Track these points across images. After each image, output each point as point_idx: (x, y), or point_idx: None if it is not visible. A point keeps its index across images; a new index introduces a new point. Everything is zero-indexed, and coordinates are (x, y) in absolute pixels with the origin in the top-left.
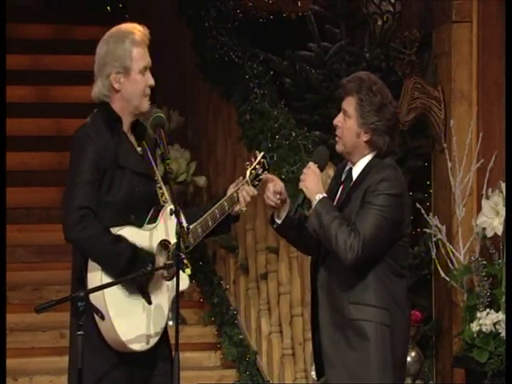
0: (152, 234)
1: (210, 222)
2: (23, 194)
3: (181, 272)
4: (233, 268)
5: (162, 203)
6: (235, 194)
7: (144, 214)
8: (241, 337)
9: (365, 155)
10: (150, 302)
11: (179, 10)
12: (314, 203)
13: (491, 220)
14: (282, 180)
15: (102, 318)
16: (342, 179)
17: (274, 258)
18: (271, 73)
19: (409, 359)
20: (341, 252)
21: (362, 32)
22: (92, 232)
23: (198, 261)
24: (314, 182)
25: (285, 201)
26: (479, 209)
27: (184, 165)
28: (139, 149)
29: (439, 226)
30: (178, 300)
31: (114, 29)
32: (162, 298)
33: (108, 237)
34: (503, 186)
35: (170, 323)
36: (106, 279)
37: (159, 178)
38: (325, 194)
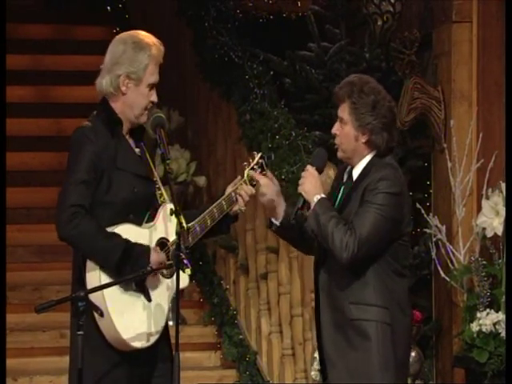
0: (150, 232)
1: (208, 221)
2: (23, 194)
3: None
4: (233, 268)
5: (160, 204)
6: (233, 194)
7: (143, 214)
8: (241, 337)
9: (364, 156)
10: (149, 300)
11: (179, 10)
12: (313, 205)
13: (491, 220)
14: (281, 180)
15: (101, 315)
16: (344, 180)
17: (274, 258)
18: (271, 73)
19: None
20: (337, 251)
21: (362, 32)
22: (84, 229)
23: (198, 261)
24: (311, 185)
25: (278, 199)
26: (479, 209)
27: (184, 165)
28: (137, 150)
29: (439, 226)
30: (179, 300)
31: (134, 33)
32: (162, 295)
33: (101, 233)
34: (503, 186)
35: (171, 323)
36: (105, 278)
37: (158, 180)
38: (323, 195)
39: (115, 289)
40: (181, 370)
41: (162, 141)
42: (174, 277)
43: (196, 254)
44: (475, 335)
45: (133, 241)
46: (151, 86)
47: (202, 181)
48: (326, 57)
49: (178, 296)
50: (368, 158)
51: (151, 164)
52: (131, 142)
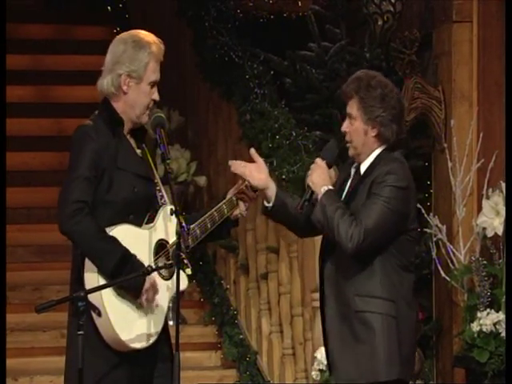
0: (150, 233)
1: (208, 224)
2: (24, 194)
3: (181, 272)
4: (233, 268)
5: (161, 205)
6: (234, 198)
7: (143, 215)
8: (241, 337)
9: (374, 150)
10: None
11: (179, 10)
12: (320, 196)
13: (491, 220)
14: (282, 180)
15: (99, 314)
16: (351, 174)
17: (274, 257)
18: (271, 73)
19: None
20: (342, 241)
21: (362, 32)
22: (86, 227)
23: (199, 261)
24: (319, 176)
25: (268, 182)
26: (479, 209)
27: (184, 165)
28: (139, 151)
29: (439, 225)
30: (179, 300)
31: (134, 33)
32: (161, 296)
33: (102, 234)
34: (503, 185)
35: (171, 323)
36: (103, 278)
37: (159, 181)
38: (330, 187)
39: (113, 289)
40: (181, 370)
41: (163, 141)
42: (174, 278)
43: (196, 254)
44: (475, 335)
45: (133, 243)
46: (152, 84)
47: (202, 181)
48: (327, 57)
49: (179, 296)
50: (377, 152)
51: (152, 165)
52: (132, 142)
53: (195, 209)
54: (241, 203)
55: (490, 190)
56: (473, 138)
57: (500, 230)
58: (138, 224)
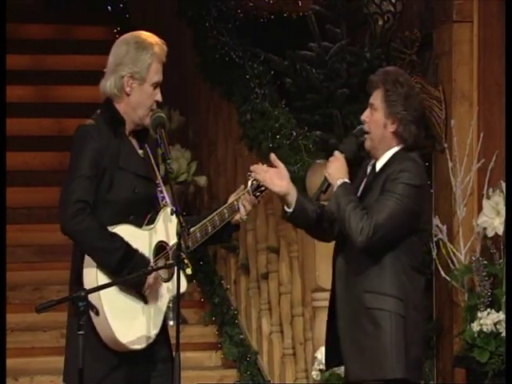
0: (150, 235)
1: (209, 228)
2: (24, 194)
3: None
4: (233, 268)
5: (162, 206)
6: (236, 203)
7: (143, 215)
8: (241, 337)
9: (391, 148)
10: (146, 301)
11: (179, 9)
12: (335, 188)
13: (492, 220)
14: None
15: (97, 313)
16: (367, 172)
17: (274, 257)
18: (272, 73)
19: None
20: (352, 234)
21: (362, 32)
22: (88, 226)
23: (199, 261)
24: (336, 168)
25: (289, 187)
26: (480, 209)
27: (185, 165)
28: (141, 151)
29: (440, 225)
30: (179, 300)
31: (136, 34)
32: (160, 297)
33: (104, 232)
34: (504, 185)
35: (171, 323)
36: (102, 275)
37: (161, 182)
38: (346, 180)
39: (112, 289)
40: (181, 370)
41: (163, 140)
42: (174, 278)
43: (197, 254)
44: (476, 335)
45: (133, 244)
46: (155, 85)
47: (202, 181)
48: (327, 56)
49: (179, 296)
50: (394, 150)
51: (154, 166)
52: (134, 142)
53: (195, 209)
54: (241, 208)
55: (491, 189)
56: (473, 137)
57: (500, 230)
58: (139, 225)
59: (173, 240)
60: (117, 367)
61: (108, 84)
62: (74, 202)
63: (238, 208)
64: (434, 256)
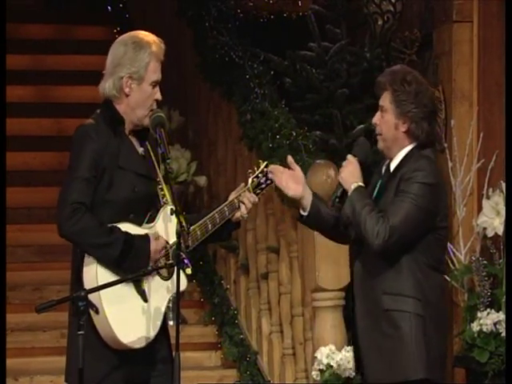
0: (150, 233)
1: (209, 226)
2: (24, 194)
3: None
4: (233, 268)
5: (162, 204)
6: (236, 200)
7: (143, 214)
8: (241, 337)
9: (404, 147)
10: (145, 300)
11: (179, 9)
12: (350, 192)
13: (492, 220)
14: None
15: (97, 312)
16: (382, 172)
17: (274, 257)
18: (272, 73)
19: None
20: (369, 237)
21: (362, 32)
22: (84, 224)
23: (199, 260)
24: (350, 173)
25: (305, 190)
26: (480, 209)
27: (184, 165)
28: (141, 150)
29: None
30: (179, 300)
31: (134, 34)
32: (160, 296)
33: (101, 229)
34: (504, 185)
35: (171, 323)
36: (101, 274)
37: (161, 180)
38: (361, 183)
39: (112, 288)
40: (181, 370)
41: (163, 140)
42: (173, 278)
43: (197, 253)
44: (476, 335)
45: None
46: (154, 84)
47: (202, 181)
48: (327, 56)
49: (179, 296)
50: (407, 149)
51: (155, 164)
52: (134, 141)
53: (195, 209)
54: (242, 206)
55: (491, 189)
56: (473, 137)
57: (500, 230)
58: (138, 223)
59: (173, 238)
60: (117, 366)
61: (107, 85)
62: (69, 204)
63: (239, 206)
64: None
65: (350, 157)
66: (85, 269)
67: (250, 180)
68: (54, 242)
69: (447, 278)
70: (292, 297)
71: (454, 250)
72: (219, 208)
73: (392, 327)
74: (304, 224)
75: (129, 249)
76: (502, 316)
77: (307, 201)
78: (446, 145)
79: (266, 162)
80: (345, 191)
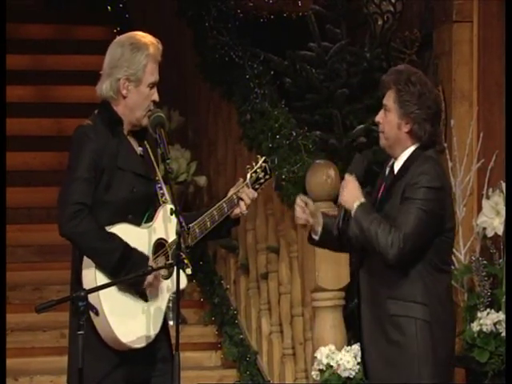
0: (149, 233)
1: (208, 223)
2: (24, 194)
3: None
4: (233, 268)
5: (161, 203)
6: (234, 196)
7: (142, 214)
8: (241, 337)
9: (407, 147)
10: (146, 300)
11: (179, 9)
12: (353, 212)
13: (492, 220)
14: (282, 180)
15: (97, 313)
16: (386, 173)
17: (274, 257)
18: (272, 73)
19: None
20: (383, 250)
21: (362, 32)
22: (86, 227)
23: (199, 260)
24: (350, 193)
25: (316, 216)
26: (480, 209)
27: (184, 165)
28: (140, 149)
29: None
30: (179, 300)
31: (131, 35)
32: (160, 296)
33: (101, 233)
34: (504, 185)
35: (171, 323)
36: (100, 275)
37: (160, 179)
38: (363, 200)
39: (111, 288)
40: (181, 370)
41: (162, 140)
42: (173, 277)
43: (196, 253)
44: (476, 335)
45: (131, 242)
46: (151, 86)
47: (202, 181)
48: (327, 56)
49: (179, 296)
50: (410, 149)
51: (154, 164)
52: (133, 141)
53: (195, 209)
54: (241, 202)
55: (490, 189)
56: (473, 137)
57: (500, 230)
58: (137, 223)
59: (172, 237)
60: (117, 366)
61: (104, 87)
62: (71, 205)
63: (237, 202)
64: None
65: (347, 176)
66: (84, 270)
67: (248, 175)
68: (54, 242)
69: None
70: (292, 297)
71: (454, 249)
72: (218, 205)
73: (398, 333)
74: (314, 245)
75: (126, 261)
76: (501, 316)
77: (319, 227)
78: (445, 145)
79: (264, 157)
80: (347, 212)
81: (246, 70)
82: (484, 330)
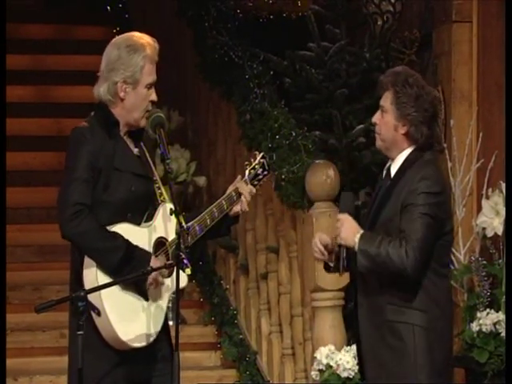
0: (149, 232)
1: (208, 220)
2: (24, 194)
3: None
4: (233, 268)
5: (160, 202)
6: (234, 193)
7: (141, 212)
8: (241, 337)
9: (404, 149)
10: (147, 299)
11: (179, 10)
12: (356, 247)
13: (491, 220)
14: (282, 180)
15: (98, 314)
16: (383, 176)
17: (274, 257)
18: (271, 73)
19: None
20: (399, 265)
21: (362, 32)
22: (87, 227)
23: (198, 261)
24: (347, 230)
25: (332, 249)
26: (479, 209)
27: (184, 165)
28: (136, 150)
29: None
30: (179, 300)
31: (127, 36)
32: (161, 295)
33: (103, 233)
34: (503, 185)
35: (171, 323)
36: (101, 275)
37: (158, 179)
38: (361, 231)
39: (113, 288)
40: (181, 370)
41: (162, 140)
42: (173, 276)
43: (196, 253)
44: (475, 335)
45: (132, 241)
46: (149, 86)
47: (201, 181)
48: (326, 57)
49: (178, 296)
50: (407, 151)
51: (151, 164)
52: (129, 142)
53: (195, 209)
54: (243, 199)
55: (490, 189)
56: (472, 137)
57: (500, 230)
58: (137, 222)
59: (172, 235)
60: (118, 366)
61: (101, 90)
62: (71, 205)
63: (236, 198)
64: None
65: (340, 216)
66: (85, 270)
67: (247, 172)
68: (54, 242)
69: None
70: (291, 297)
71: (454, 250)
72: (217, 202)
73: (395, 338)
74: (329, 273)
75: (129, 259)
76: (501, 316)
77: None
78: (445, 145)
79: (262, 153)
80: (347, 250)
81: (246, 70)
82: (483, 330)
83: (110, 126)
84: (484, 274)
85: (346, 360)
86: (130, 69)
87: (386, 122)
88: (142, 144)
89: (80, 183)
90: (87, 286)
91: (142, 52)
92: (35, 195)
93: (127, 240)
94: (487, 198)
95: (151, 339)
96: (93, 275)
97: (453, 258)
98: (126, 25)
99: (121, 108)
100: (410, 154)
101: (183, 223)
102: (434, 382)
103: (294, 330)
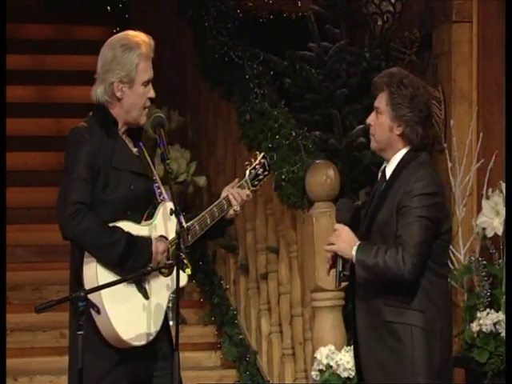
0: (149, 230)
1: (208, 220)
2: (24, 194)
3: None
4: (233, 268)
5: (159, 201)
6: (224, 201)
7: (141, 211)
8: (241, 337)
9: (398, 150)
10: (147, 297)
11: (179, 10)
12: (354, 258)
13: (491, 220)
14: (282, 180)
15: (98, 312)
16: (379, 177)
17: (274, 257)
18: (271, 73)
19: None
20: (397, 272)
21: (362, 32)
22: (88, 225)
23: (198, 261)
24: (344, 242)
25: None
26: (479, 209)
27: (184, 165)
28: (135, 150)
29: None
30: (179, 300)
31: (122, 36)
32: (161, 293)
33: (104, 228)
34: (503, 186)
35: (171, 323)
36: (101, 271)
37: (157, 178)
38: (358, 242)
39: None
40: (181, 370)
41: (162, 140)
42: (173, 275)
43: (196, 253)
44: (475, 335)
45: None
46: (146, 84)
47: (202, 181)
48: (326, 57)
49: (178, 296)
50: (402, 152)
51: (150, 163)
52: (128, 141)
53: (195, 209)
54: (234, 201)
55: (490, 190)
56: (472, 138)
57: (500, 230)
58: (137, 221)
59: (172, 234)
60: (119, 365)
61: (99, 91)
62: (71, 205)
63: (227, 207)
64: None
65: (336, 226)
66: (85, 269)
67: (247, 172)
68: (54, 242)
69: None
70: (291, 297)
71: (454, 250)
72: (217, 202)
73: (394, 339)
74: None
75: (131, 249)
76: (501, 316)
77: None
78: (445, 145)
79: (262, 153)
80: (345, 261)
81: (246, 70)
82: (484, 330)
83: (108, 126)
84: (484, 274)
85: (346, 360)
86: (125, 68)
87: (381, 123)
88: (141, 143)
89: (79, 183)
90: (87, 284)
91: (137, 50)
92: (35, 195)
93: (127, 232)
94: (487, 198)
95: (151, 338)
96: (93, 274)
97: (453, 258)
98: (125, 25)
99: (119, 108)
100: (405, 154)
101: (183, 223)
102: (432, 383)
103: (294, 330)
